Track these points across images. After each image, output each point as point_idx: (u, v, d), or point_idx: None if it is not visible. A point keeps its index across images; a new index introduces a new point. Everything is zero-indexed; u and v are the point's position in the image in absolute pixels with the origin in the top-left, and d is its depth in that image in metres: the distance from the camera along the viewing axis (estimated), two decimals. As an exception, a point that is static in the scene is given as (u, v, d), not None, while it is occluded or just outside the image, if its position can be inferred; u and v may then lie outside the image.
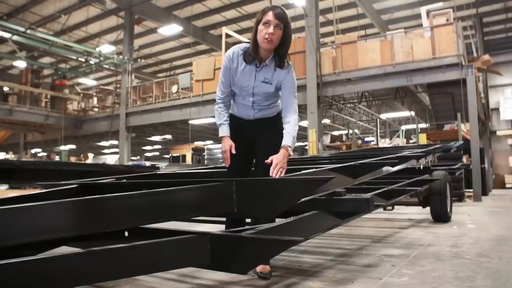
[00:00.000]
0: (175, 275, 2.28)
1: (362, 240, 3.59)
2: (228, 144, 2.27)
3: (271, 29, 2.06)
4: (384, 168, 3.41)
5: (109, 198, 1.71)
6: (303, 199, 2.19)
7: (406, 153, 4.04)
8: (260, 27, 2.09)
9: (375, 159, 3.09)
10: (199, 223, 3.05)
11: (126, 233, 2.20)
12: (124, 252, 1.61)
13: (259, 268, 2.19)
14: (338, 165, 2.50)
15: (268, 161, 2.08)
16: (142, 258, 1.66)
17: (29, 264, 1.35)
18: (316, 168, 2.50)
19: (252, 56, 2.16)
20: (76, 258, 1.52)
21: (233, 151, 2.25)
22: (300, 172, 2.19)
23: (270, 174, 2.02)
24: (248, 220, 2.43)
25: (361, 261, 2.68)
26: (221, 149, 2.33)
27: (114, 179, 3.06)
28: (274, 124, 2.37)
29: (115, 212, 1.71)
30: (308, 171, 2.22)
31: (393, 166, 3.44)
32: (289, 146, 2.14)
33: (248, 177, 2.39)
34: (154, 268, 1.78)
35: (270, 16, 2.06)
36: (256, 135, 2.37)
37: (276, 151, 2.34)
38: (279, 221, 2.07)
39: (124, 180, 2.99)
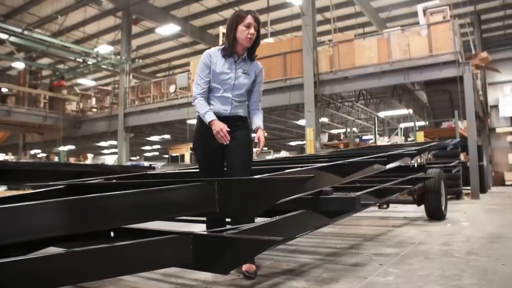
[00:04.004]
0: (159, 275, 2.27)
1: (353, 239, 3.58)
2: (219, 125, 2.31)
3: (252, 30, 2.39)
4: (376, 166, 3.40)
5: (91, 198, 1.70)
6: (289, 198, 2.18)
7: (400, 151, 4.03)
8: (242, 27, 2.38)
9: (365, 157, 3.08)
10: (193, 223, 3.04)
11: (112, 234, 2.20)
12: (106, 252, 1.61)
13: (244, 267, 2.19)
14: (325, 164, 2.49)
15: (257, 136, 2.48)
16: (125, 258, 1.66)
17: (13, 264, 1.35)
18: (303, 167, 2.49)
19: (230, 51, 2.43)
20: (59, 259, 1.52)
21: (227, 129, 2.31)
22: (283, 172, 2.18)
23: (258, 153, 2.47)
24: (228, 220, 2.46)
25: (349, 260, 2.67)
26: (213, 131, 2.31)
27: (103, 179, 3.06)
28: (246, 125, 2.56)
29: (98, 212, 1.71)
30: (291, 170, 2.21)
31: (384, 165, 3.42)
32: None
33: (222, 176, 2.40)
34: (137, 268, 1.78)
35: (250, 19, 2.38)
36: (230, 135, 2.39)
37: (249, 150, 2.51)
38: (264, 220, 2.07)
39: (114, 181, 2.99)
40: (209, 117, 2.35)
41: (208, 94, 2.46)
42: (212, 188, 1.87)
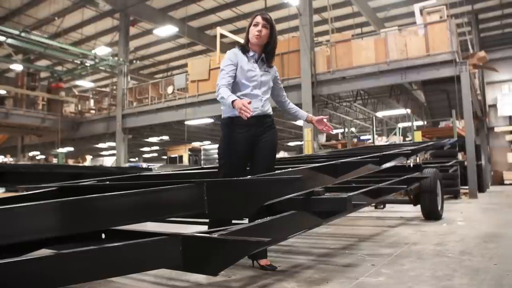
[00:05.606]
0: (151, 276, 2.27)
1: (348, 239, 3.57)
2: (240, 101, 2.21)
3: (259, 27, 2.55)
4: (371, 166, 3.39)
5: (82, 200, 1.69)
6: (280, 199, 2.17)
7: (395, 151, 4.02)
8: (251, 28, 2.58)
9: (358, 157, 3.07)
10: (191, 224, 3.03)
11: (103, 235, 2.20)
12: (97, 253, 1.60)
13: (264, 262, 2.41)
14: (317, 164, 2.48)
15: (316, 118, 2.82)
16: (115, 260, 1.65)
17: (3, 266, 1.34)
18: (296, 167, 2.48)
19: (247, 49, 2.60)
20: (48, 261, 1.50)
21: (248, 101, 2.22)
22: (272, 172, 2.17)
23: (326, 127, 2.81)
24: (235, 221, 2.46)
25: (342, 260, 2.67)
26: (237, 109, 2.21)
27: (96, 181, 3.05)
28: (274, 125, 2.67)
29: (89, 213, 1.70)
30: (281, 171, 2.20)
31: (378, 165, 3.41)
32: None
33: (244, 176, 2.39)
34: (127, 269, 1.77)
35: (258, 18, 2.57)
36: (258, 134, 2.52)
37: (274, 153, 2.63)
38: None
39: (107, 182, 2.98)
40: (232, 98, 2.30)
41: (237, 94, 2.47)
42: (201, 189, 1.87)
